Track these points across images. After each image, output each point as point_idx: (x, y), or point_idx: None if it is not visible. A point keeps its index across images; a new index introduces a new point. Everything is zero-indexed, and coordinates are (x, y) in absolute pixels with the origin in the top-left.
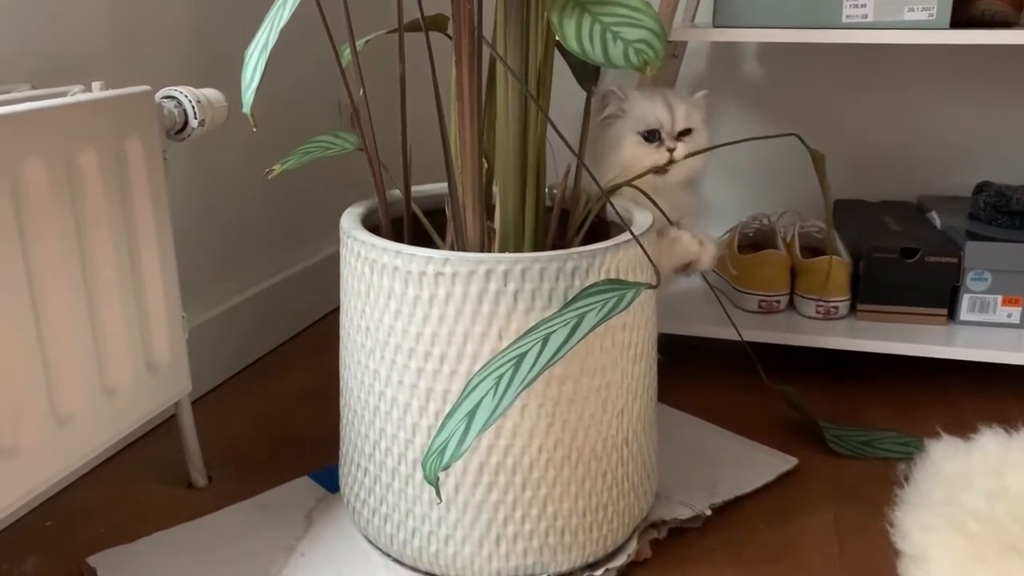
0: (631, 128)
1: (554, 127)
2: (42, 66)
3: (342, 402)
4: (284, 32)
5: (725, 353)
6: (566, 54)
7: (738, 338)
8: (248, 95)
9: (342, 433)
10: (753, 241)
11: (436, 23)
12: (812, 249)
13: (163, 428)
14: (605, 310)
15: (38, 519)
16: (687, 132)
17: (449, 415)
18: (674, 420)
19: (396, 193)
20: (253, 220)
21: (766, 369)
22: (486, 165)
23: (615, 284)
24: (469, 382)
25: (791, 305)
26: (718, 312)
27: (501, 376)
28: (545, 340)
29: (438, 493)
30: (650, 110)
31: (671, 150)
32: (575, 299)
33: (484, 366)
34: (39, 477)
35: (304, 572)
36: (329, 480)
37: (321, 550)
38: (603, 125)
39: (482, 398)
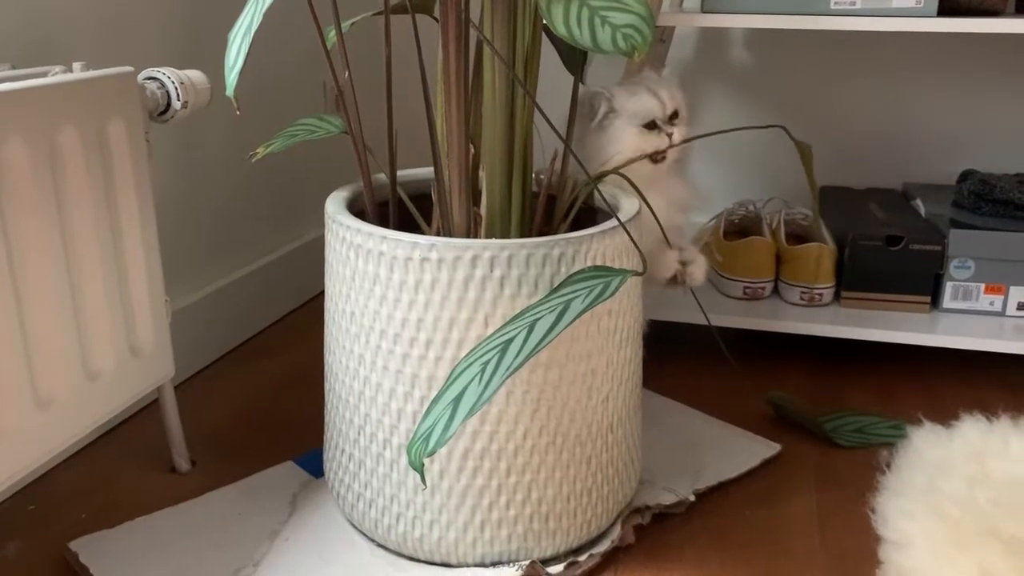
0: (628, 123)
1: (541, 112)
2: (23, 47)
3: (327, 387)
4: (270, 13)
5: (710, 340)
6: (554, 39)
7: (722, 325)
8: (232, 78)
9: (326, 418)
10: (739, 228)
11: (423, 5)
12: (797, 236)
13: (147, 412)
14: (591, 297)
15: (20, 503)
16: (675, 115)
17: (434, 401)
18: (659, 406)
19: (382, 177)
20: (238, 203)
21: (749, 354)
22: (472, 150)
23: (601, 271)
24: (455, 368)
25: (776, 292)
26: (704, 299)
27: (487, 363)
28: (531, 327)
29: (423, 479)
30: (640, 104)
31: (669, 134)
32: (561, 285)
33: (470, 352)
34: (20, 461)
35: (288, 557)
36: (313, 465)
37: (305, 535)
38: (599, 127)
39: (468, 384)
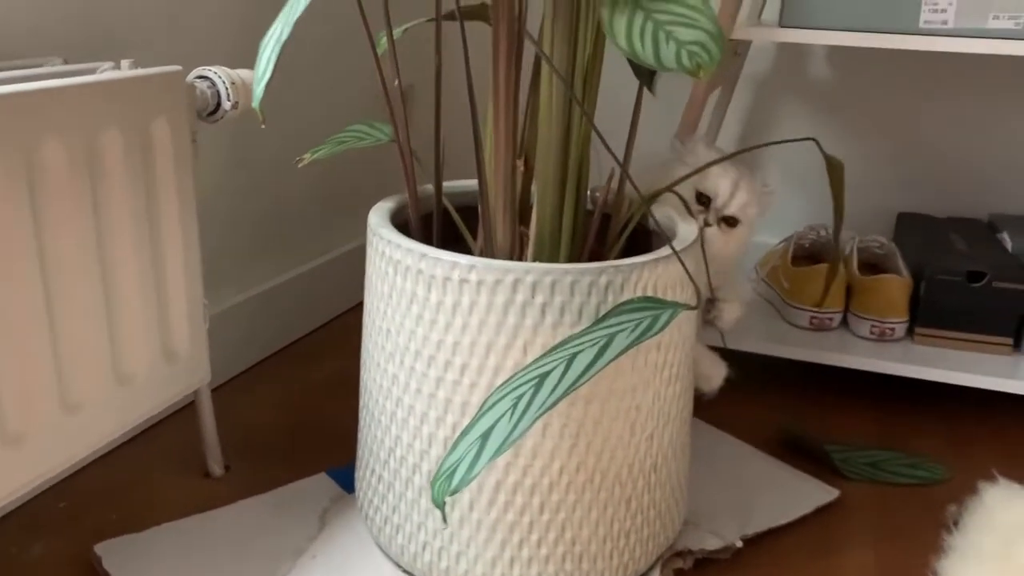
0: (689, 181)
1: (598, 133)
2: (79, 41)
3: (361, 403)
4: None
5: (773, 370)
6: None
7: (785, 356)
8: (259, 88)
9: (359, 435)
10: (809, 253)
11: (477, 12)
12: (872, 265)
13: (185, 413)
14: (637, 332)
15: (52, 500)
16: (734, 221)
17: (463, 434)
18: (711, 439)
19: (431, 188)
20: (290, 205)
21: (813, 388)
22: (522, 168)
23: (651, 303)
24: (487, 400)
25: (844, 323)
26: (769, 327)
27: (520, 396)
28: (570, 360)
29: (444, 518)
30: (714, 180)
31: (707, 224)
32: (606, 316)
33: (504, 384)
34: (44, 464)
35: None
36: (346, 478)
37: (332, 554)
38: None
39: (498, 419)
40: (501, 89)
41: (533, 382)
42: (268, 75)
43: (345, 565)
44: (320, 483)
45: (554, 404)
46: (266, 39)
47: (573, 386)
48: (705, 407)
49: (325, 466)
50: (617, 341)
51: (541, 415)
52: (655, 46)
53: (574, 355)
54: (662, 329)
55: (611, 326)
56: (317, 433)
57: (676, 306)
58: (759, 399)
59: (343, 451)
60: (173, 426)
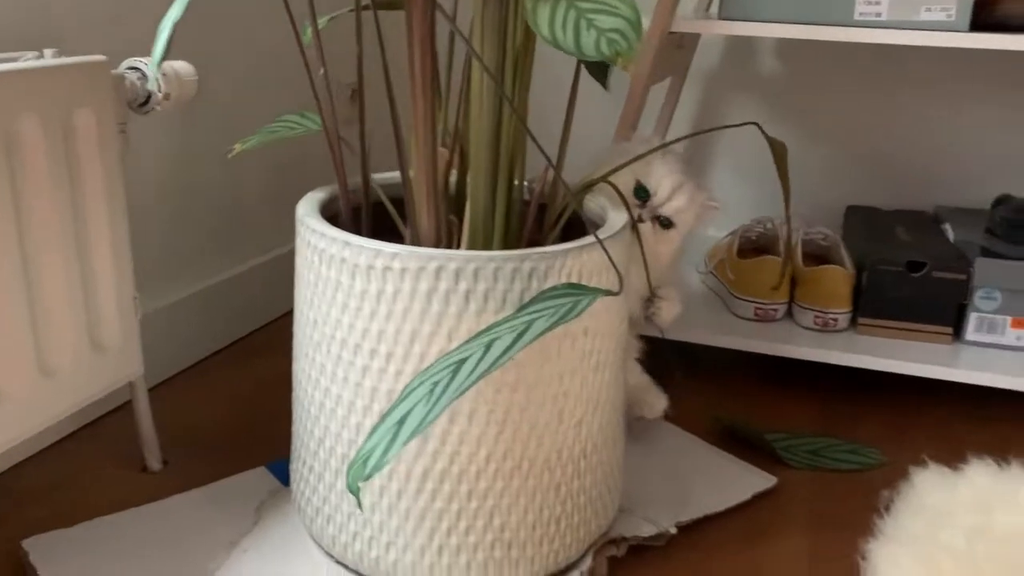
0: (632, 171)
1: (524, 127)
2: (17, 31)
3: (293, 395)
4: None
5: (720, 360)
6: None
7: (731, 347)
8: (154, 68)
9: (293, 427)
10: (756, 245)
11: (397, 2)
12: (816, 256)
13: (128, 408)
14: (556, 317)
15: None
16: (669, 223)
17: (380, 422)
18: (651, 427)
19: (373, 178)
20: (238, 201)
21: (760, 377)
22: (447, 155)
23: (573, 289)
24: (406, 388)
25: (789, 314)
26: (716, 318)
27: (437, 383)
28: (488, 346)
29: (359, 504)
30: (657, 178)
31: (639, 220)
32: (529, 303)
33: (424, 371)
34: None
35: (244, 569)
36: (285, 472)
37: (265, 547)
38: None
39: (415, 404)
40: (417, 76)
41: (451, 368)
42: (161, 55)
43: (278, 557)
44: (258, 476)
45: (468, 388)
46: (163, 22)
47: (488, 371)
48: None
49: (266, 459)
50: (535, 327)
51: (455, 399)
52: (576, 34)
53: (492, 341)
54: (579, 314)
55: (532, 312)
56: (260, 429)
57: (597, 292)
58: (704, 389)
59: (285, 446)
60: (116, 421)
